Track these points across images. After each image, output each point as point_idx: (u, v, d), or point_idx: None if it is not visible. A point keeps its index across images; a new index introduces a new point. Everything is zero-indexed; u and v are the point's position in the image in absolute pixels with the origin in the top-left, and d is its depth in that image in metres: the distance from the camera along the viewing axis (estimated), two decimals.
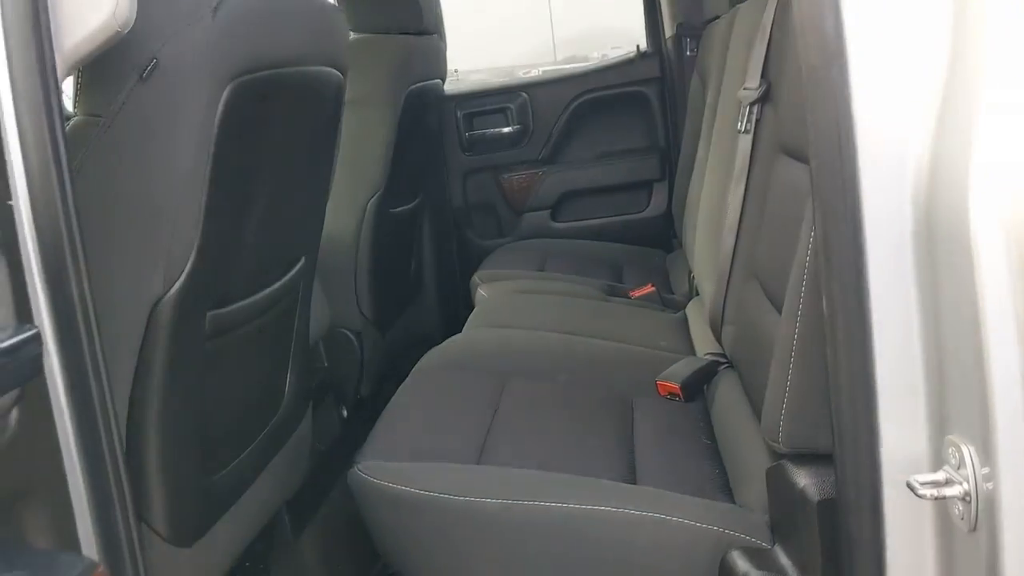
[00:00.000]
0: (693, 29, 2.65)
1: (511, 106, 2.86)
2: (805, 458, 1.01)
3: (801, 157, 1.23)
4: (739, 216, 1.51)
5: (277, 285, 1.36)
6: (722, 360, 1.54)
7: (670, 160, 2.83)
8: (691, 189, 2.15)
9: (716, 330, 1.56)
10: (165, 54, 1.02)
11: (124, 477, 0.95)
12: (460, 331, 2.00)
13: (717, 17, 2.33)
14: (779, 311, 1.20)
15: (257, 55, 1.13)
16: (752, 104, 1.48)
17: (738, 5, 1.95)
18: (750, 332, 1.36)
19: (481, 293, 2.15)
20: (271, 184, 1.25)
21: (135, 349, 1.05)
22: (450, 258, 2.91)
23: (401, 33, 2.25)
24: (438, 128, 2.77)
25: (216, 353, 1.19)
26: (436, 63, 2.49)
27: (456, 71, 3.02)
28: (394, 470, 1.17)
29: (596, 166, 2.87)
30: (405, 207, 2.42)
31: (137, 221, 1.04)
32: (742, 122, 1.51)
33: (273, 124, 1.23)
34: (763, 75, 1.47)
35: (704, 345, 1.67)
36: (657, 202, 2.84)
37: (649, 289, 2.12)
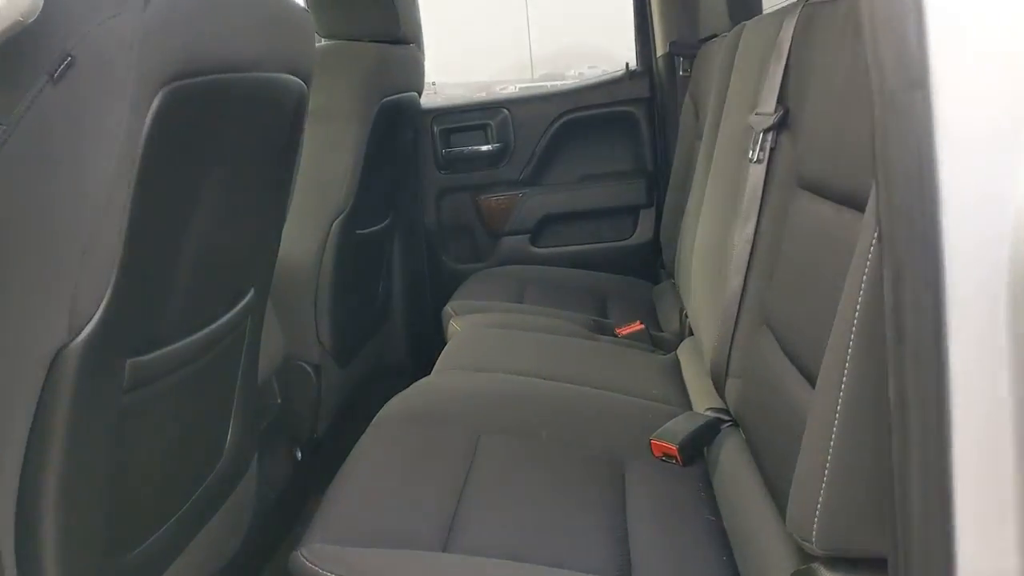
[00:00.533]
0: (687, 48, 2.49)
1: (491, 123, 2.69)
2: (843, 563, 0.84)
3: (825, 193, 1.06)
4: (748, 255, 1.34)
5: (219, 323, 1.17)
6: (725, 417, 1.37)
7: (658, 185, 2.67)
8: (685, 219, 1.99)
9: (718, 382, 1.39)
10: (82, 51, 0.83)
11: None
12: (430, 363, 1.83)
13: (715, 36, 2.18)
14: (803, 373, 1.04)
15: (198, 56, 0.94)
16: (766, 131, 1.32)
17: (743, 23, 1.79)
18: (762, 390, 1.19)
19: (454, 326, 1.97)
20: (213, 208, 1.05)
21: (29, 407, 0.85)
22: (422, 283, 2.72)
23: (375, 41, 2.07)
24: (413, 144, 2.59)
25: (137, 406, 1.00)
26: (413, 75, 2.31)
27: (434, 84, 2.84)
28: (344, 558, 0.98)
29: (579, 189, 2.70)
30: (374, 228, 2.23)
31: (38, 250, 0.85)
32: (753, 150, 1.35)
33: (217, 138, 1.04)
34: (780, 100, 1.31)
35: (702, 397, 1.50)
36: (643, 229, 2.68)
37: (638, 327, 1.95)
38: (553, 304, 2.18)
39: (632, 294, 2.45)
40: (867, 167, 0.75)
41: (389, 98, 2.07)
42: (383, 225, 2.31)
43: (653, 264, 2.63)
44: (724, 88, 1.79)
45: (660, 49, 2.59)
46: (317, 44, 2.02)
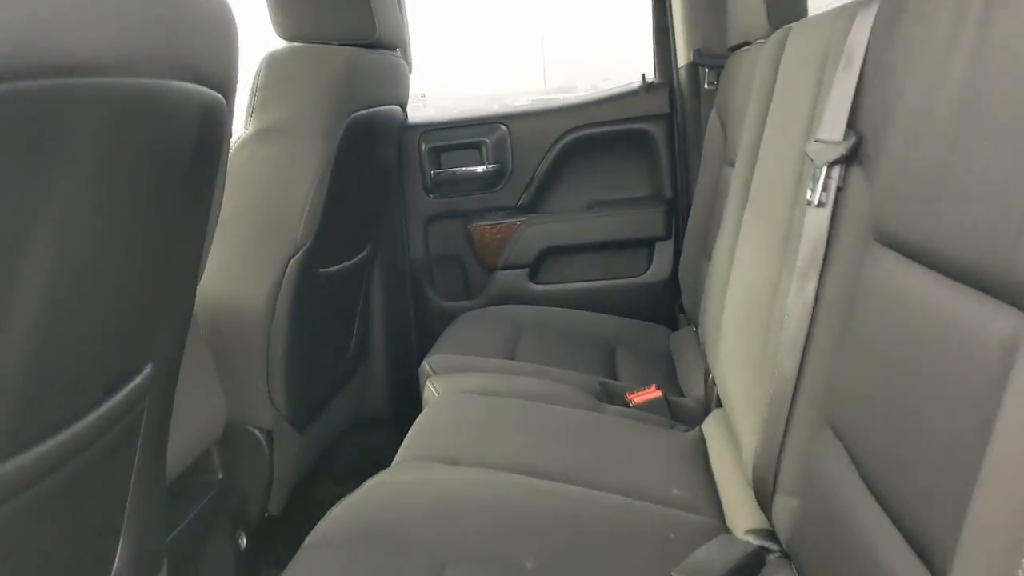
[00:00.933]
0: (714, 57, 2.15)
1: (487, 140, 2.36)
2: None
3: (923, 258, 0.73)
4: (807, 329, 1.00)
5: (89, 419, 0.83)
6: (771, 546, 1.03)
7: (678, 215, 2.33)
8: (714, 260, 1.64)
9: (763, 497, 1.05)
10: None
11: None
12: (414, 415, 1.52)
13: (747, 44, 1.85)
14: (884, 505, 0.71)
15: (28, 51, 0.61)
16: (832, 165, 0.98)
17: (789, 25, 1.46)
18: (826, 518, 0.86)
19: (431, 389, 1.62)
20: (63, 259, 0.72)
21: None
22: (405, 323, 2.39)
23: (345, 44, 1.74)
24: (396, 164, 2.26)
25: None
26: (394, 85, 1.98)
27: (423, 95, 2.50)
28: None
29: (586, 218, 2.35)
30: (345, 263, 1.90)
31: None
32: (813, 189, 1.01)
33: (65, 163, 0.71)
34: (850, 123, 0.97)
35: (740, 510, 1.15)
36: (660, 265, 2.33)
37: (654, 394, 1.60)
38: (552, 358, 1.84)
39: (646, 343, 2.10)
40: (1007, 231, 0.56)
41: (361, 112, 1.73)
42: (358, 259, 1.97)
43: (671, 306, 2.28)
44: (764, 104, 1.46)
45: (682, 58, 2.25)
46: (275, 49, 1.69)
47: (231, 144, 1.67)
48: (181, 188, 0.93)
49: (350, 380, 2.09)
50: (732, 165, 1.84)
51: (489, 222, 2.34)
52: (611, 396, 1.64)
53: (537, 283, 2.36)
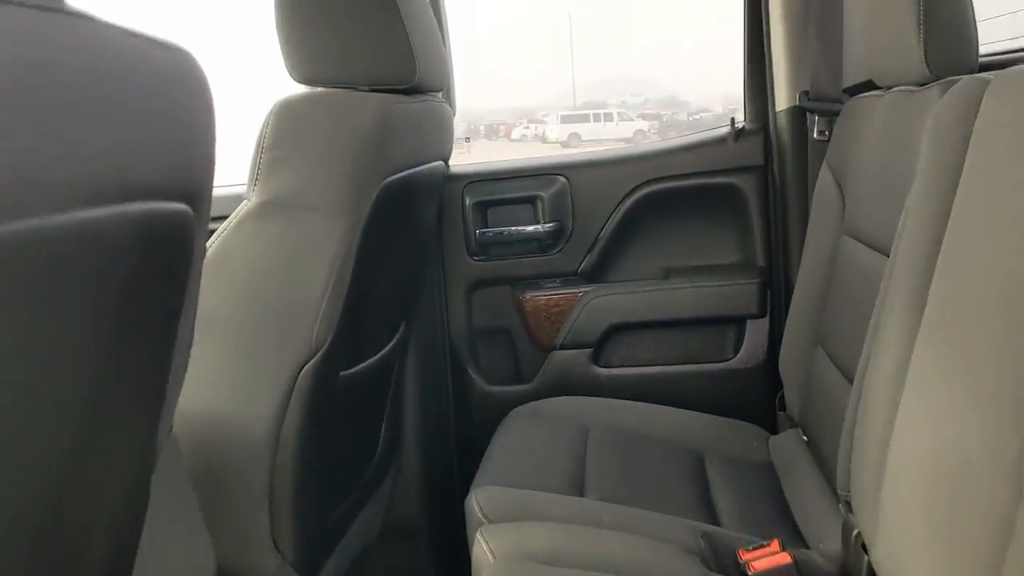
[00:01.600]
0: (826, 101, 1.76)
1: (542, 195, 1.97)
2: None
3: None
4: None
5: None
6: None
7: (774, 288, 1.93)
8: (864, 393, 1.23)
9: None
10: None
11: None
12: (453, 523, 1.30)
13: (871, 86, 1.46)
14: None
15: None
16: None
17: (981, 76, 1.06)
18: None
19: (483, 549, 1.23)
20: None
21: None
22: (442, 411, 2.00)
23: (376, 90, 1.37)
24: (435, 223, 1.89)
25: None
26: (436, 137, 1.61)
27: (468, 140, 2.13)
28: None
29: (662, 289, 1.95)
30: (372, 359, 1.53)
31: None
32: None
33: None
34: None
35: None
36: (752, 349, 1.93)
37: (779, 557, 1.20)
38: (632, 481, 1.44)
39: (741, 451, 1.70)
40: None
41: (397, 176, 1.36)
42: (389, 347, 1.60)
43: (766, 400, 1.88)
44: (945, 180, 1.06)
45: (783, 101, 1.85)
46: (288, 96, 1.32)
47: (236, 213, 1.31)
48: (123, 311, 0.58)
49: (375, 491, 1.72)
50: (859, 240, 1.44)
51: (545, 292, 1.96)
52: (719, 555, 1.24)
53: (602, 367, 1.97)
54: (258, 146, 1.28)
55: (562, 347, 1.95)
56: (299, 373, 1.28)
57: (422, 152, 1.50)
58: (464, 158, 2.07)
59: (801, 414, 1.66)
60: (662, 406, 1.83)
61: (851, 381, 1.30)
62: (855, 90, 1.67)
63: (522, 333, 1.99)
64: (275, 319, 1.27)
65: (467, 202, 1.97)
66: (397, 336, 1.66)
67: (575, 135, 22.40)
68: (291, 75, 1.37)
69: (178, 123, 0.63)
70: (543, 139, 23.49)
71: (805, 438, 1.66)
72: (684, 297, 1.93)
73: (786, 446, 1.69)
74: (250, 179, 1.28)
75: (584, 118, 23.71)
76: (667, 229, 1.99)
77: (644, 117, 24.20)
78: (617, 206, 1.96)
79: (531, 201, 1.98)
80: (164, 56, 0.60)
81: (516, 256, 1.99)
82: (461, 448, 1.97)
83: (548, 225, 1.97)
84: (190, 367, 1.37)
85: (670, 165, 1.96)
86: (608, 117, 22.99)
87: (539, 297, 1.96)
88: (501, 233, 1.98)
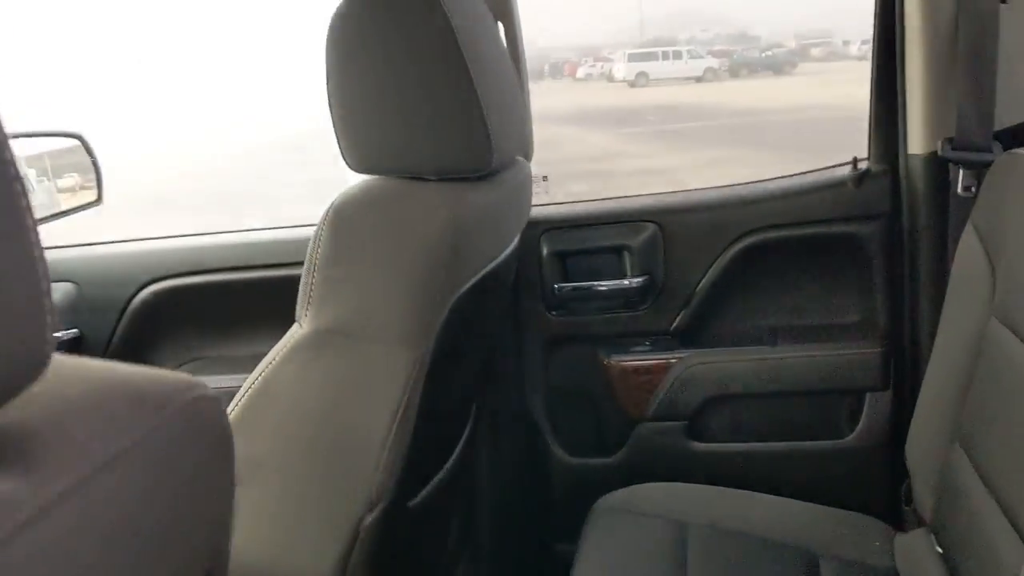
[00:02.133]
0: (973, 150, 1.48)
1: (631, 244, 1.74)
2: None
3: None
4: None
5: None
6: None
7: (899, 357, 1.67)
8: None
9: None
10: None
11: None
12: None
13: None
14: None
15: None
16: None
17: None
18: None
19: None
20: None
21: None
22: (519, 486, 1.82)
23: (446, 179, 1.14)
24: (513, 292, 1.67)
25: None
26: (518, 212, 1.39)
27: (546, 178, 1.89)
28: None
29: (768, 355, 1.71)
30: (444, 467, 1.34)
31: None
32: None
33: None
34: None
35: None
36: (872, 426, 1.68)
37: None
38: None
39: (862, 553, 1.48)
40: None
41: (473, 280, 1.15)
42: (462, 444, 1.41)
43: (888, 488, 1.64)
44: None
45: (918, 142, 1.57)
46: (343, 199, 1.11)
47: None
48: None
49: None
50: (1015, 332, 1.19)
51: (633, 357, 1.74)
52: None
53: (699, 441, 1.75)
54: (310, 260, 1.08)
55: (652, 419, 1.74)
56: (361, 523, 1.09)
57: (500, 242, 1.28)
58: (540, 198, 1.84)
59: (935, 518, 1.43)
60: (769, 496, 1.61)
61: (1006, 511, 1.09)
62: (1009, 135, 1.40)
63: (606, 399, 1.77)
64: (333, 464, 1.09)
65: (544, 251, 1.75)
66: (469, 426, 1.47)
67: (643, 74, 21.80)
68: (347, 162, 1.16)
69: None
70: (609, 78, 22.92)
71: (939, 548, 1.44)
72: (794, 365, 1.69)
73: (915, 552, 1.47)
74: (302, 299, 1.09)
75: (652, 56, 23.01)
76: (774, 285, 1.75)
77: (714, 54, 23.43)
78: (717, 258, 1.71)
79: (617, 251, 1.75)
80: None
81: (600, 312, 1.77)
82: (542, 531, 1.79)
83: (637, 279, 1.74)
84: (240, 512, 1.17)
85: (779, 211, 1.70)
86: (677, 55, 22.30)
87: (626, 362, 1.74)
88: (583, 288, 1.75)
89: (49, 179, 2.58)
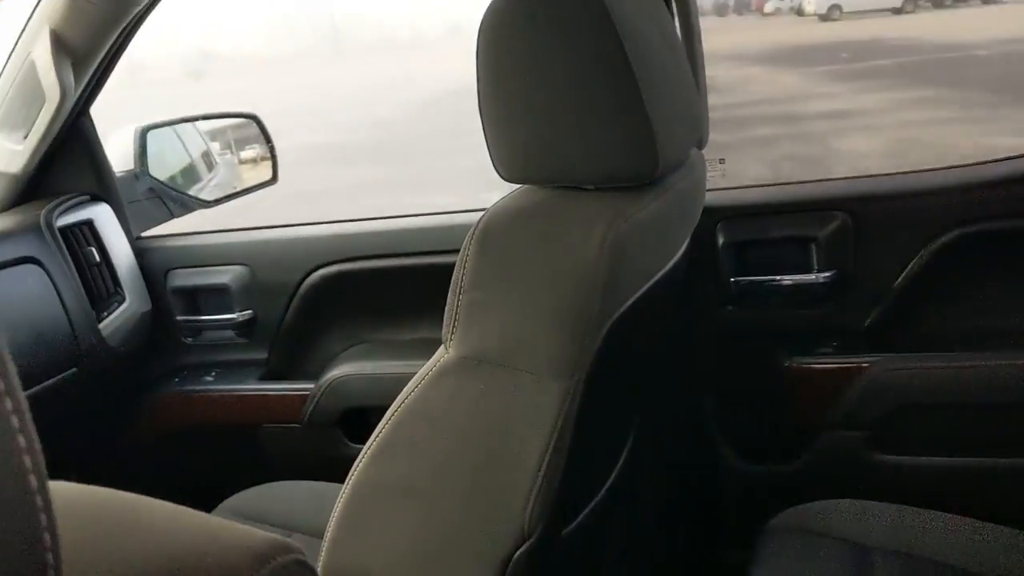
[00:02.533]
0: None
1: (818, 235, 1.57)
2: None
3: None
4: None
5: None
6: None
7: None
8: None
9: None
10: None
11: None
12: None
13: None
14: None
15: None
16: None
17: None
18: None
19: None
20: None
21: None
22: (685, 489, 1.72)
23: (605, 187, 1.04)
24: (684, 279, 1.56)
25: None
26: (690, 215, 1.27)
27: (722, 161, 1.74)
28: None
29: (971, 362, 1.52)
30: (603, 488, 1.27)
31: None
32: None
33: None
34: None
35: None
36: None
37: None
38: None
39: None
40: None
41: (630, 302, 1.05)
42: (623, 459, 1.33)
43: None
44: None
45: None
46: (492, 212, 1.03)
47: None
48: None
49: None
50: None
51: (818, 359, 1.58)
52: None
53: (887, 454, 1.58)
54: (456, 280, 1.01)
55: (833, 426, 1.59)
56: (512, 557, 1.04)
57: (667, 253, 1.17)
58: (716, 182, 1.69)
59: None
60: (965, 519, 1.43)
61: None
62: None
63: (785, 401, 1.64)
64: (482, 495, 1.03)
65: (720, 241, 1.62)
66: (632, 437, 1.38)
67: (835, 6, 20.41)
68: (498, 172, 1.08)
69: None
70: (799, 12, 21.61)
71: None
72: (999, 374, 1.49)
73: None
74: (447, 321, 1.03)
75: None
76: (983, 284, 1.54)
77: None
78: (919, 251, 1.52)
79: (802, 242, 1.59)
80: None
81: (780, 308, 1.62)
82: (710, 543, 1.69)
83: (825, 274, 1.58)
84: (386, 536, 1.15)
85: (996, 199, 1.48)
86: None
87: (810, 364, 1.59)
88: (763, 283, 1.61)
89: (232, 152, 2.66)
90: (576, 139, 1.03)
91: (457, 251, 1.72)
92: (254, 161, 2.47)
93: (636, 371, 1.30)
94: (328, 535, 1.10)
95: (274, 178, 2.26)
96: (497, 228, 1.01)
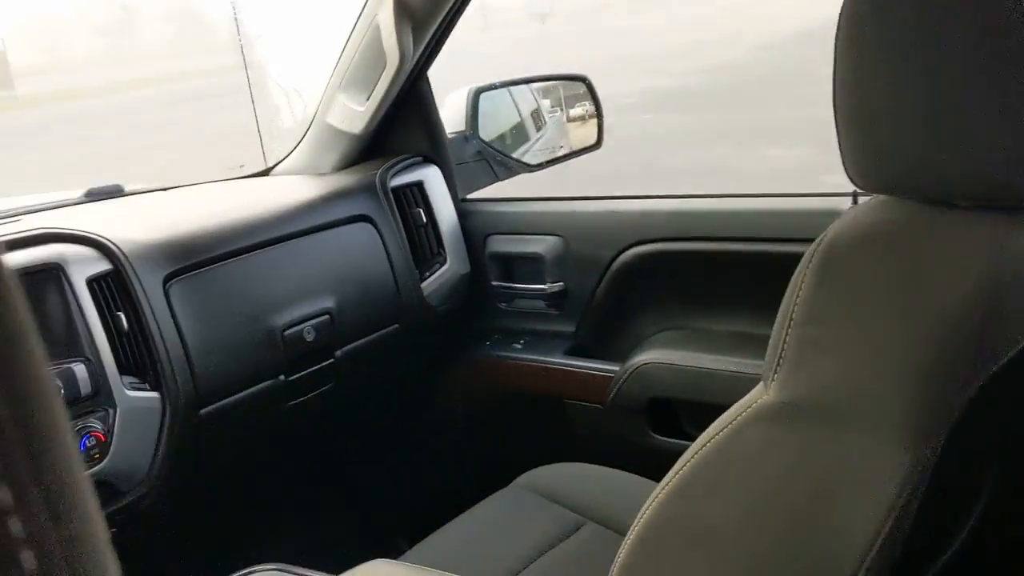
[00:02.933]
0: None
1: None
2: None
3: None
4: None
5: None
6: None
7: None
8: None
9: None
10: None
11: None
12: None
13: None
14: None
15: None
16: None
17: None
18: None
19: None
20: None
21: None
22: None
23: (991, 208, 0.82)
24: None
25: None
26: None
27: None
28: None
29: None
30: (941, 560, 1.07)
31: None
32: None
33: None
34: None
35: None
36: None
37: None
38: None
39: None
40: None
41: (1008, 357, 0.83)
42: (968, 531, 1.11)
43: None
44: None
45: None
46: (840, 226, 0.86)
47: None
48: None
49: None
50: None
51: None
52: None
53: None
54: (787, 310, 0.86)
55: None
56: None
57: None
58: None
59: None
60: None
61: None
62: None
63: None
64: (797, 556, 0.89)
65: None
66: (983, 501, 1.15)
67: None
68: (850, 178, 0.90)
69: None
70: None
71: None
72: None
73: None
74: (771, 355, 0.88)
75: None
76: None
77: None
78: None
79: None
80: None
81: None
82: None
83: None
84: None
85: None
86: None
87: None
88: None
89: (562, 109, 2.63)
90: (948, 143, 0.81)
91: (791, 240, 1.53)
92: (582, 119, 2.42)
93: (1007, 439, 1.06)
94: (618, 560, 1.02)
95: (598, 142, 2.18)
96: (842, 249, 0.84)
